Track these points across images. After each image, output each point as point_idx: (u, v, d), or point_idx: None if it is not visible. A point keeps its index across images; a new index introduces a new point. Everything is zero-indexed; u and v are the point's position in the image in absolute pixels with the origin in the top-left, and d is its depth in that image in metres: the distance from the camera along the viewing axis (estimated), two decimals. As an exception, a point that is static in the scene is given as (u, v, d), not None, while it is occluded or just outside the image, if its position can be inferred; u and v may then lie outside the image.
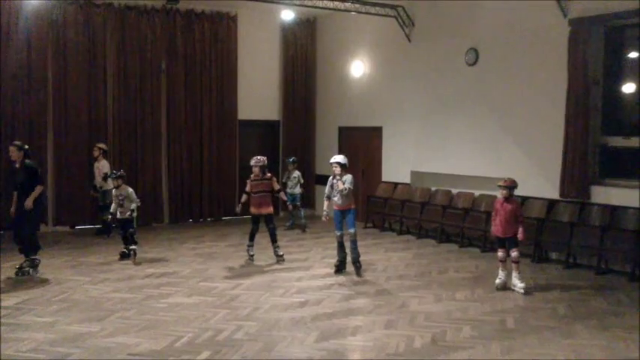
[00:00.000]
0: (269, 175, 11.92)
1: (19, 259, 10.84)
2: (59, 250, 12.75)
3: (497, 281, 9.91)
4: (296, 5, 14.80)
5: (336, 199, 10.80)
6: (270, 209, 11.85)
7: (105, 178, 13.82)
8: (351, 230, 10.70)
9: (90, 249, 12.94)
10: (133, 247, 11.85)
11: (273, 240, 11.85)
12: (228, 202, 17.14)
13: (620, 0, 10.87)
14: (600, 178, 11.66)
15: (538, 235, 11.89)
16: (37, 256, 10.69)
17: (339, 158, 10.87)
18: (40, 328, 7.89)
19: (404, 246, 13.55)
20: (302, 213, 15.82)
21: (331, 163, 10.84)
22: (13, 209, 10.70)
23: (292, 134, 18.16)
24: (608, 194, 11.33)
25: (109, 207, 12.73)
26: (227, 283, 10.22)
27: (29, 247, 10.57)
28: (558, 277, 10.85)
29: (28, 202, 10.19)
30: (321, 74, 18.34)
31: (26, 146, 10.68)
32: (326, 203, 11.13)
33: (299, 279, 10.54)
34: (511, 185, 9.81)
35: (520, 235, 9.63)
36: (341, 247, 10.97)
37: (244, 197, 11.94)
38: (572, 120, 11.67)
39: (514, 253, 9.66)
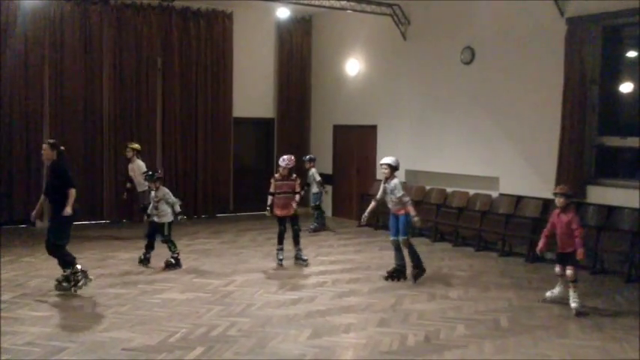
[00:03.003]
0: (294, 176, 11.37)
1: (17, 255, 10.79)
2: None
3: (548, 294, 9.16)
4: (292, 3, 14.79)
5: (389, 204, 10.24)
6: (295, 210, 11.34)
7: (146, 178, 12.50)
8: (401, 237, 10.13)
9: (85, 245, 12.87)
10: (172, 257, 10.94)
11: (296, 242, 11.35)
12: (223, 199, 17.15)
13: (616, -1, 10.91)
14: (596, 177, 11.66)
15: (533, 235, 11.88)
16: (74, 270, 9.26)
17: (389, 160, 10.17)
18: (35, 322, 7.88)
19: (398, 244, 13.52)
20: (319, 214, 15.16)
21: (381, 165, 10.29)
22: (34, 213, 9.73)
23: (287, 132, 18.12)
24: (604, 194, 11.33)
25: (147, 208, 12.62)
26: (221, 279, 10.20)
27: (59, 259, 9.31)
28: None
29: (67, 209, 9.00)
30: (317, 72, 18.32)
31: (62, 148, 9.49)
32: (371, 205, 10.54)
33: (293, 276, 10.53)
34: (568, 192, 8.89)
35: (579, 254, 8.61)
36: (397, 252, 10.29)
37: (270, 199, 11.36)
38: (569, 119, 11.68)
39: (569, 272, 8.70)
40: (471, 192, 13.69)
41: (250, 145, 18.25)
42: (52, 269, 10.59)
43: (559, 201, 8.77)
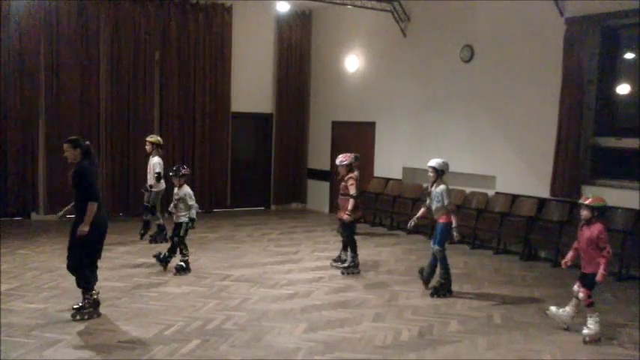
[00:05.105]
0: (348, 176, 10.53)
1: (12, 247, 10.72)
2: (50, 238, 12.71)
3: (554, 309, 8.00)
4: (291, -2, 14.80)
5: (432, 210, 9.41)
6: (344, 215, 10.51)
7: (158, 178, 12.23)
8: (435, 246, 9.36)
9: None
10: (182, 260, 10.26)
11: (343, 247, 10.89)
12: (220, 194, 17.17)
13: (616, 0, 10.93)
14: (591, 178, 11.72)
15: (528, 234, 11.96)
16: (92, 294, 7.91)
17: (434, 162, 9.26)
18: (30, 313, 7.90)
19: (394, 241, 13.61)
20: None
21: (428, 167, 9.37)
22: (59, 214, 8.61)
23: (285, 127, 18.15)
24: (599, 194, 11.31)
25: (153, 209, 12.32)
26: (217, 274, 10.24)
27: (78, 280, 7.87)
28: (546, 275, 10.92)
29: (82, 228, 7.61)
30: (316, 68, 18.34)
31: (87, 142, 7.92)
32: (421, 211, 9.75)
33: (289, 271, 10.58)
34: (593, 205, 7.49)
35: (599, 275, 7.36)
36: (431, 261, 9.58)
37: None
38: (566, 119, 11.74)
39: (581, 295, 7.60)
40: (468, 190, 13.75)
41: (248, 140, 18.23)
42: (47, 261, 10.66)
43: (582, 214, 7.58)
